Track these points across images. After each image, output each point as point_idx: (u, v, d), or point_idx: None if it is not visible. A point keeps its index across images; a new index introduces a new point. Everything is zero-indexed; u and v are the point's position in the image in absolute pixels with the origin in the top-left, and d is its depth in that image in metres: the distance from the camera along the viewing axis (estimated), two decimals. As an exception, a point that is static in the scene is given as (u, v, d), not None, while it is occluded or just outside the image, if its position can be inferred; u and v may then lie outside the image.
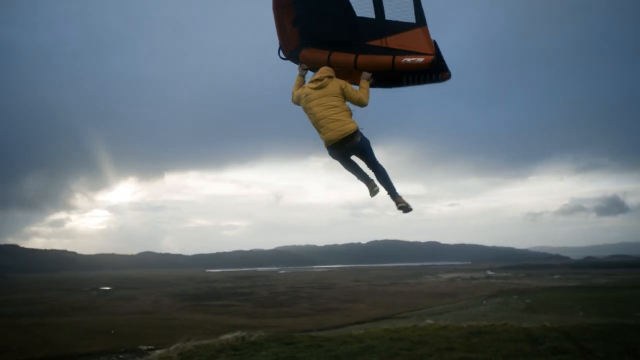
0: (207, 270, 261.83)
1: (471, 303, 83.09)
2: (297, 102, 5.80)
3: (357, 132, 5.42)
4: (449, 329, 12.84)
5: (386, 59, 5.22)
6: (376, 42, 5.36)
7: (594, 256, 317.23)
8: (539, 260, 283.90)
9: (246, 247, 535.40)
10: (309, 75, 6.02)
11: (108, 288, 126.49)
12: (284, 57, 6.02)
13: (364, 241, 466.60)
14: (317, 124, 5.50)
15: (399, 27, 5.23)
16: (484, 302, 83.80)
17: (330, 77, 5.52)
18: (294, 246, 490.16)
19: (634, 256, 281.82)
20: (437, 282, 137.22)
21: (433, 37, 5.20)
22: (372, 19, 5.32)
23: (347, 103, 5.59)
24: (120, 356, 40.35)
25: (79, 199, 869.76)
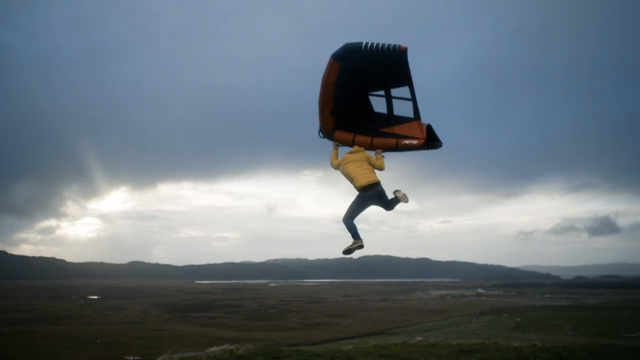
0: (197, 282, 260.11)
1: (461, 320, 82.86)
2: (337, 167, 8.19)
3: (379, 183, 7.83)
4: (438, 347, 12.71)
5: (392, 141, 7.86)
6: (386, 130, 8.07)
7: (584, 276, 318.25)
8: (530, 279, 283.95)
9: (236, 259, 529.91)
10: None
11: (96, 297, 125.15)
12: (322, 136, 8.56)
13: (355, 256, 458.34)
14: (351, 176, 7.83)
15: (402, 120, 7.86)
16: (474, 319, 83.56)
17: (362, 151, 8.13)
18: (285, 259, 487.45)
19: (624, 277, 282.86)
20: (428, 298, 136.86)
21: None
22: (384, 113, 8.05)
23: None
24: (106, 367, 39.79)
25: (70, 207, 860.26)
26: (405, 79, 7.33)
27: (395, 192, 8.01)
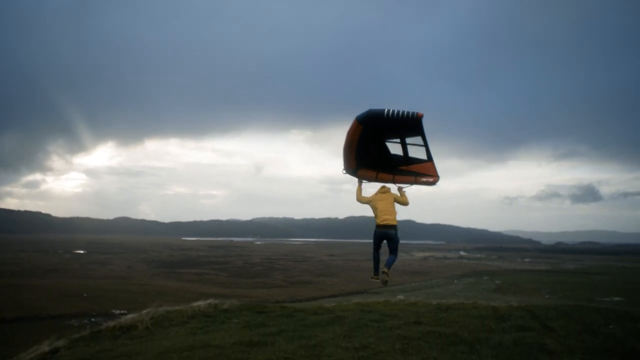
0: (183, 238, 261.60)
1: (443, 282, 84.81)
2: (367, 202, 9.48)
3: (395, 226, 9.18)
4: (419, 305, 13.08)
5: (411, 178, 9.34)
6: (404, 168, 9.43)
7: (565, 242, 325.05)
8: (512, 243, 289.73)
9: (223, 216, 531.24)
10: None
11: (82, 252, 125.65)
12: (345, 172, 9.64)
13: (341, 216, 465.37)
14: (378, 212, 9.18)
15: (417, 160, 9.21)
16: (456, 281, 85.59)
17: (389, 191, 9.48)
18: (271, 218, 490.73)
19: (603, 243, 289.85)
20: (411, 260, 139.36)
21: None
22: (401, 155, 9.31)
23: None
24: (92, 319, 40.33)
25: (56, 161, 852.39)
26: (418, 132, 8.52)
27: (384, 274, 9.00)
